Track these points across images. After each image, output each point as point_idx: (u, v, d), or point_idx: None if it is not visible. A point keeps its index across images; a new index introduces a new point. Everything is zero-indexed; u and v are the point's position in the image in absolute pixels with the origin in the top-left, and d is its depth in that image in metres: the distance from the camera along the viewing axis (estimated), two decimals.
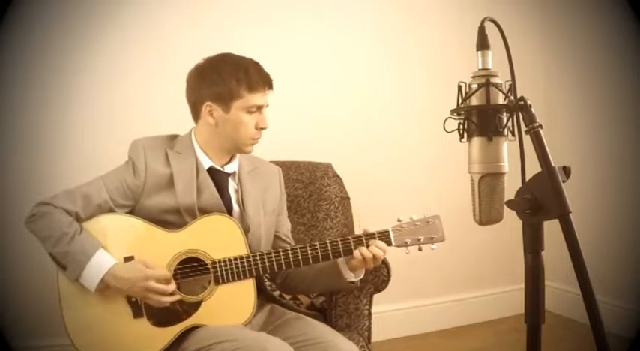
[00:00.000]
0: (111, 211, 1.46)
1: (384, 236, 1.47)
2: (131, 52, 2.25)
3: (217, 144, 1.52)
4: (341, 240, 1.46)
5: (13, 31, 2.11)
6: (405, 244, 1.48)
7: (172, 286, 1.40)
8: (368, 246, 1.45)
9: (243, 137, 1.49)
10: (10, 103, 2.14)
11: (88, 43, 2.19)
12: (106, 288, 1.38)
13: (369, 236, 1.46)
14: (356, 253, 1.44)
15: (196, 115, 1.53)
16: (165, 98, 2.21)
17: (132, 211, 1.48)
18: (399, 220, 1.50)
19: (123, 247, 1.43)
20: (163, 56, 2.27)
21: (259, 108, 1.49)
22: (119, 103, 2.25)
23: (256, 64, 1.49)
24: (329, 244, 1.46)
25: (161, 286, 1.37)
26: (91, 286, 1.37)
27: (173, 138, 1.57)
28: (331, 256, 1.46)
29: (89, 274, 1.36)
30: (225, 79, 1.44)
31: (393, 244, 1.47)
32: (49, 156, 2.18)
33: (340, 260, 1.50)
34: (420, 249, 1.50)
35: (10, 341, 2.09)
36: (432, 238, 1.49)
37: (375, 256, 1.44)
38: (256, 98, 1.47)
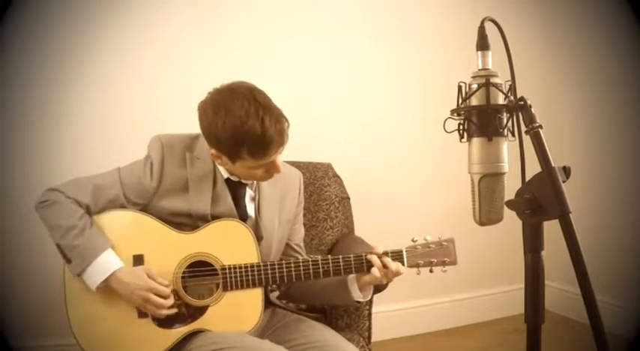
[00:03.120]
0: (122, 206, 1.44)
1: (397, 256, 1.45)
2: (131, 51, 2.24)
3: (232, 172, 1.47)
4: (354, 256, 1.44)
5: (13, 30, 2.11)
6: (417, 266, 1.47)
7: (170, 301, 1.38)
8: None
9: (254, 179, 1.47)
10: (10, 103, 2.14)
11: (88, 43, 2.19)
12: (106, 288, 1.37)
13: (383, 254, 1.44)
14: (377, 262, 1.41)
15: None
16: (166, 98, 2.22)
17: (144, 209, 1.46)
18: (413, 241, 1.48)
19: (133, 244, 1.41)
20: (164, 56, 2.27)
21: (269, 162, 1.37)
22: (119, 102, 2.24)
23: (263, 121, 1.29)
24: (341, 260, 1.43)
25: (159, 301, 1.35)
26: (92, 284, 1.36)
27: (194, 139, 1.48)
28: (342, 272, 1.44)
29: (93, 272, 1.35)
30: (222, 140, 1.32)
31: (406, 265, 1.45)
32: (50, 156, 2.18)
33: (350, 279, 1.48)
34: (431, 271, 1.48)
35: (10, 341, 2.09)
36: (445, 261, 1.48)
37: (398, 270, 1.41)
38: (262, 161, 1.35)
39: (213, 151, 1.38)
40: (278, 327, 1.50)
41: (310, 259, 1.44)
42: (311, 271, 1.43)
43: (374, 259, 1.41)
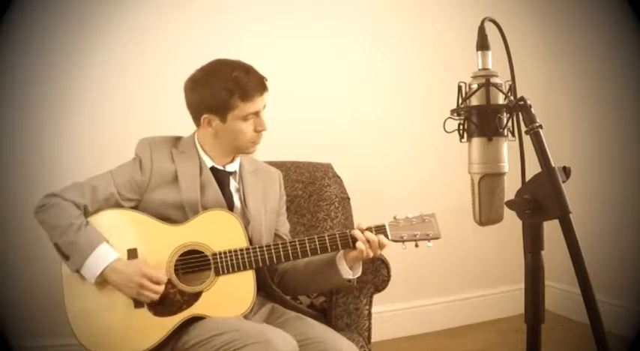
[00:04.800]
0: (117, 204, 1.50)
1: (381, 230, 1.50)
2: (131, 52, 2.25)
3: (219, 148, 1.57)
4: (339, 233, 1.49)
5: (14, 31, 2.11)
6: (402, 239, 1.51)
7: (162, 287, 1.42)
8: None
9: (243, 142, 1.55)
10: (10, 103, 2.14)
11: (88, 44, 2.19)
12: (104, 282, 1.42)
13: (367, 230, 1.49)
14: (360, 236, 1.46)
15: (197, 123, 1.58)
16: (165, 98, 2.21)
17: (137, 206, 1.53)
18: (395, 217, 1.53)
19: (127, 239, 1.47)
20: (163, 56, 2.27)
21: (256, 113, 1.52)
22: (119, 103, 2.24)
23: (247, 71, 1.50)
24: (327, 237, 1.49)
25: (154, 286, 1.40)
26: (91, 277, 1.40)
27: (178, 139, 1.62)
28: (329, 249, 1.49)
29: (91, 265, 1.40)
30: (216, 94, 1.47)
31: (390, 238, 1.50)
32: (49, 157, 2.18)
33: (338, 257, 1.52)
34: (416, 245, 1.52)
35: (10, 341, 2.09)
36: (428, 234, 1.52)
37: (379, 243, 1.47)
38: (251, 106, 1.49)
39: (205, 116, 1.51)
40: (277, 324, 1.50)
41: (297, 239, 1.50)
42: (298, 249, 1.49)
43: (357, 233, 1.47)
